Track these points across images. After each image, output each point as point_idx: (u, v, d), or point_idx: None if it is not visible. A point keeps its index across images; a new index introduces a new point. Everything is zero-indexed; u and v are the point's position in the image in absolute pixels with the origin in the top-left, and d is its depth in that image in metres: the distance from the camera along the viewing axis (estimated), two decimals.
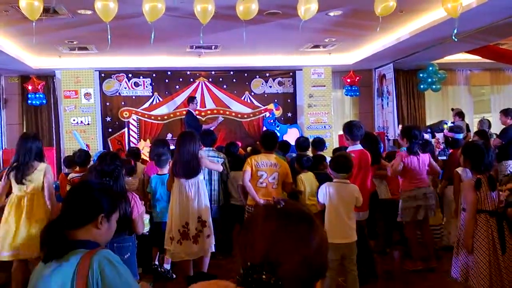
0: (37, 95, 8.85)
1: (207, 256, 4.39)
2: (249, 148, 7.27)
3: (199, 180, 4.32)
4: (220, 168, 4.91)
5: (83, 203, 1.83)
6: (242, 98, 9.80)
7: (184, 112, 9.00)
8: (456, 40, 5.64)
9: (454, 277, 3.39)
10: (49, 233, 1.72)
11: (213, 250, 4.42)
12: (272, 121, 9.60)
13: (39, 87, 8.83)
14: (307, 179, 5.07)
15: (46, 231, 1.75)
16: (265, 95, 9.88)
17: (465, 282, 3.27)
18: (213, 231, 4.37)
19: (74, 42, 7.34)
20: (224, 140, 9.07)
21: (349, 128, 4.45)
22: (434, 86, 9.57)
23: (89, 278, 1.61)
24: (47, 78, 9.33)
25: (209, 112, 9.61)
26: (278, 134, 9.02)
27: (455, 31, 5.23)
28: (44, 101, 9.04)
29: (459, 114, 8.64)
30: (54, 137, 9.49)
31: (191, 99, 8.88)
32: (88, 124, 9.12)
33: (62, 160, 7.59)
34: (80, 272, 1.62)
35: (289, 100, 9.99)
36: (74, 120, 9.06)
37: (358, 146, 4.44)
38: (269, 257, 0.96)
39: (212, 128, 8.13)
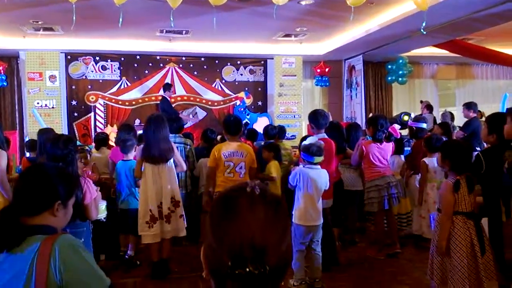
0: None
1: (181, 235, 4.44)
2: (219, 137, 7.20)
3: (170, 162, 4.34)
4: (184, 168, 4.65)
5: (39, 191, 1.70)
6: (213, 85, 9.69)
7: (160, 98, 8.77)
8: (424, 33, 5.75)
9: (429, 278, 3.35)
10: (2, 221, 1.60)
11: (185, 233, 4.48)
12: (242, 109, 9.57)
13: (0, 69, 8.49)
14: (276, 166, 5.14)
15: None
16: (236, 83, 9.81)
17: (442, 285, 3.19)
18: None
19: (39, 22, 7.08)
20: (194, 128, 9.00)
21: (315, 116, 4.49)
22: (400, 79, 9.73)
23: (51, 265, 1.51)
24: (10, 59, 8.99)
25: (179, 98, 9.46)
26: (249, 122, 9.14)
27: (424, 23, 5.32)
28: (5, 83, 8.69)
29: (428, 107, 8.84)
30: (17, 120, 9.19)
31: (167, 86, 8.69)
32: (52, 107, 8.81)
33: (24, 143, 7.35)
34: (41, 259, 1.51)
35: (259, 89, 9.96)
36: (38, 103, 8.74)
37: (323, 135, 4.48)
38: (257, 247, 0.90)
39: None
